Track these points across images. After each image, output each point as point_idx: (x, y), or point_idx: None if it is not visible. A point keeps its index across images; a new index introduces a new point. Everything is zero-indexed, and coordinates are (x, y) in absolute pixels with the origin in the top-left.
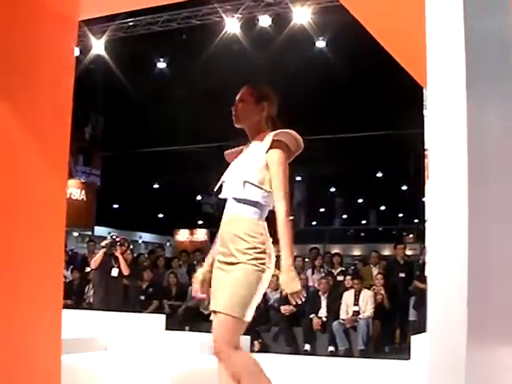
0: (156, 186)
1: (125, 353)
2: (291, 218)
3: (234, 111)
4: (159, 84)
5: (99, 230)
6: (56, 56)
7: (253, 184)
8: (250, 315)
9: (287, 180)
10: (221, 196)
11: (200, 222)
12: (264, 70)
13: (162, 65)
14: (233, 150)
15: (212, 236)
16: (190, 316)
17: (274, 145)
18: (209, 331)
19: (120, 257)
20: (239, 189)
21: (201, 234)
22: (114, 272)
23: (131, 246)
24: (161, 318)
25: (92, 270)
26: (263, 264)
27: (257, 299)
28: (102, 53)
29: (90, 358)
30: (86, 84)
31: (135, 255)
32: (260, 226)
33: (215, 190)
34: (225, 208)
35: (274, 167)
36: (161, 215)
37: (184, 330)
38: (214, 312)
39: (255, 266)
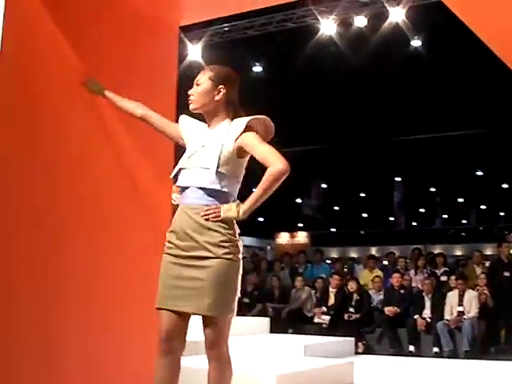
0: (254, 189)
1: (231, 355)
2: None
3: (190, 95)
4: (255, 88)
5: None
6: (160, 65)
7: (222, 174)
8: (235, 311)
9: (270, 146)
10: (179, 184)
11: (300, 225)
12: (360, 70)
13: (257, 69)
14: (189, 119)
15: (312, 238)
16: (294, 319)
17: (245, 130)
18: (312, 333)
19: None
20: (207, 178)
21: (301, 237)
22: None
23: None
24: (265, 321)
25: None
26: (237, 255)
27: (238, 294)
28: (199, 59)
29: (196, 361)
30: (182, 91)
31: None
32: None
33: (171, 176)
34: (182, 197)
35: (252, 142)
36: (261, 219)
37: (287, 332)
38: (184, 314)
39: (232, 259)
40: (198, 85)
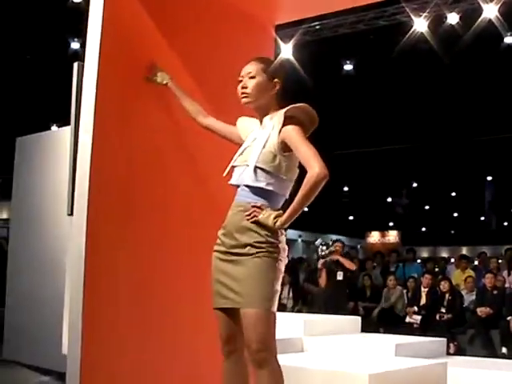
0: (346, 188)
1: (322, 354)
2: (325, 180)
3: (243, 88)
4: (345, 86)
5: (289, 233)
6: None
7: (265, 170)
8: (275, 306)
9: (312, 146)
10: (230, 182)
11: (391, 224)
12: (452, 67)
13: (348, 67)
14: (246, 119)
15: (403, 238)
16: (385, 318)
17: (287, 122)
18: (403, 333)
19: (340, 259)
20: (251, 175)
21: (392, 236)
22: (339, 275)
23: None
24: (356, 320)
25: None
26: (275, 255)
27: (277, 290)
28: (290, 57)
29: (289, 359)
30: None
31: None
32: None
33: (224, 174)
34: (236, 195)
35: (295, 140)
36: (351, 217)
37: (379, 331)
38: (226, 309)
39: (268, 257)
40: (251, 77)
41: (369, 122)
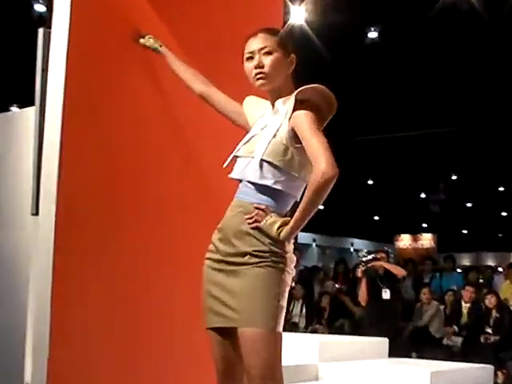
0: (370, 181)
1: None
2: (329, 180)
3: (258, 68)
4: (369, 58)
5: (301, 236)
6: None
7: (274, 165)
8: (281, 326)
9: (323, 138)
10: (231, 176)
11: (425, 225)
12: (500, 34)
13: (373, 34)
14: (255, 99)
15: (440, 242)
16: (418, 339)
17: (298, 106)
18: (440, 358)
19: (386, 265)
20: (256, 170)
21: (426, 240)
22: (386, 294)
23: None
24: (383, 342)
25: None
26: (281, 265)
27: (282, 306)
28: (302, 23)
29: None
30: None
31: (348, 267)
32: None
33: (225, 166)
34: (237, 190)
35: (304, 128)
36: (377, 217)
37: (410, 356)
38: (221, 329)
39: (272, 267)
40: (267, 53)
41: (398, 101)
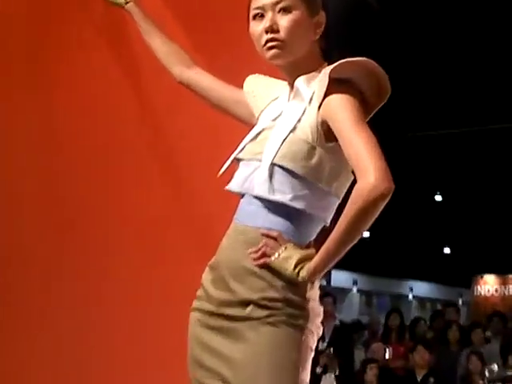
0: (438, 197)
1: None
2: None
3: (272, 31)
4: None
5: (339, 278)
6: None
7: (293, 174)
8: None
9: (372, 137)
10: (230, 188)
11: None
12: None
13: None
14: (261, 79)
15: None
16: None
17: (334, 89)
18: None
19: None
20: (265, 180)
21: None
22: None
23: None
24: None
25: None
26: (302, 321)
27: (303, 381)
28: None
29: None
30: None
31: (404, 322)
32: None
33: (220, 174)
34: (237, 209)
35: (342, 122)
36: (448, 250)
37: None
38: None
39: (287, 325)
40: (284, 11)
41: (472, 84)
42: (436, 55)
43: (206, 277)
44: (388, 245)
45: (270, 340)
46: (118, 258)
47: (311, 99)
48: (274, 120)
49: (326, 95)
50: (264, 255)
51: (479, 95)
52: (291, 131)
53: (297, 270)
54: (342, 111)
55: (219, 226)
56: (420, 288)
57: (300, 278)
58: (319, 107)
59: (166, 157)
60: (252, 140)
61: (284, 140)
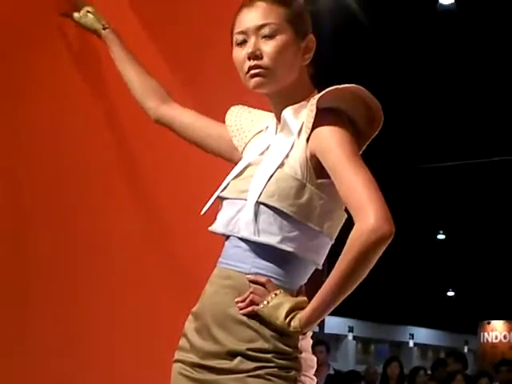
0: (441, 236)
1: None
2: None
3: (255, 58)
4: (443, 33)
5: (333, 324)
6: None
7: (282, 213)
8: None
9: (369, 174)
10: (213, 229)
11: None
12: None
13: (447, 0)
14: (244, 111)
15: None
16: None
17: (323, 120)
18: None
19: None
20: (251, 221)
21: None
22: None
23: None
24: None
25: None
26: (294, 372)
27: None
28: None
29: None
30: None
31: (405, 370)
32: None
33: (202, 212)
34: (221, 253)
35: (334, 156)
36: (450, 293)
37: None
38: None
39: (278, 377)
40: (268, 36)
41: (490, 107)
42: (439, 87)
43: (190, 325)
44: (386, 288)
45: None
46: (90, 304)
47: (300, 132)
48: (261, 154)
49: (314, 127)
50: (252, 303)
51: (481, 127)
52: (278, 167)
53: (288, 320)
54: (334, 145)
55: (202, 270)
56: (422, 335)
57: (292, 329)
58: (307, 140)
59: (144, 193)
60: (237, 176)
61: (270, 177)
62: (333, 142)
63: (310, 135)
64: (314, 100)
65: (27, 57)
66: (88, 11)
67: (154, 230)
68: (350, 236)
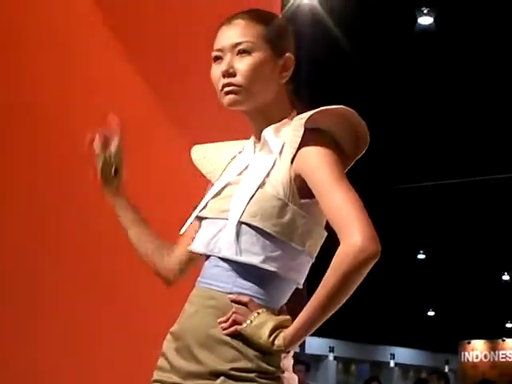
0: (421, 256)
1: None
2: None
3: (229, 77)
4: (421, 53)
5: (314, 344)
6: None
7: (264, 233)
8: None
9: (356, 195)
10: (193, 249)
11: (511, 326)
12: None
13: (426, 20)
14: (211, 145)
15: None
16: None
17: (308, 141)
18: None
19: None
20: (232, 241)
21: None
22: None
23: None
24: None
25: None
26: None
27: None
28: (314, 3)
29: None
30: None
31: None
32: None
33: (182, 232)
34: (201, 272)
35: (320, 177)
36: (431, 313)
37: None
38: None
39: None
40: (243, 52)
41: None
42: (417, 107)
43: (169, 345)
44: (367, 308)
45: None
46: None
47: (281, 151)
48: (240, 174)
49: (300, 147)
50: (235, 323)
51: (460, 147)
52: (259, 187)
53: (272, 339)
54: (320, 166)
55: (181, 288)
56: (402, 354)
57: (275, 347)
58: (292, 160)
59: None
60: (215, 196)
61: (252, 196)
62: (319, 162)
63: (295, 155)
64: (301, 120)
65: None
66: (115, 170)
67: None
68: (337, 255)
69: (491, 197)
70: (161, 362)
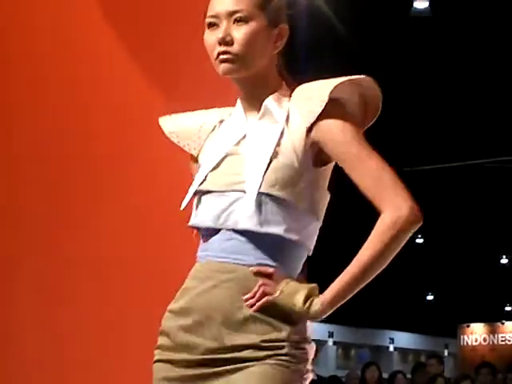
0: (419, 240)
1: None
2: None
3: (225, 44)
4: (417, 37)
5: (313, 330)
6: None
7: (285, 202)
8: None
9: (387, 164)
10: (197, 223)
11: (508, 309)
12: None
13: (421, 4)
14: (179, 115)
15: None
16: None
17: (329, 111)
18: None
19: None
20: (253, 213)
21: (511, 332)
22: None
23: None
24: None
25: None
26: (303, 365)
27: None
28: None
29: None
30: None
31: (384, 374)
32: None
33: (182, 207)
34: (203, 248)
35: (353, 148)
36: (430, 297)
37: None
38: None
39: (285, 366)
40: (240, 21)
41: (464, 110)
42: (417, 91)
43: (173, 324)
44: (366, 292)
45: (264, 376)
46: (72, 301)
47: (287, 120)
48: (237, 144)
49: (320, 117)
50: (265, 295)
51: (459, 130)
52: (273, 155)
53: (307, 305)
54: (350, 138)
55: (179, 266)
56: (402, 339)
57: (312, 313)
58: (310, 128)
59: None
60: (214, 168)
61: (267, 166)
62: (348, 135)
63: (314, 123)
64: (326, 90)
65: None
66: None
67: (134, 228)
68: (383, 221)
69: (489, 180)
70: (163, 340)
